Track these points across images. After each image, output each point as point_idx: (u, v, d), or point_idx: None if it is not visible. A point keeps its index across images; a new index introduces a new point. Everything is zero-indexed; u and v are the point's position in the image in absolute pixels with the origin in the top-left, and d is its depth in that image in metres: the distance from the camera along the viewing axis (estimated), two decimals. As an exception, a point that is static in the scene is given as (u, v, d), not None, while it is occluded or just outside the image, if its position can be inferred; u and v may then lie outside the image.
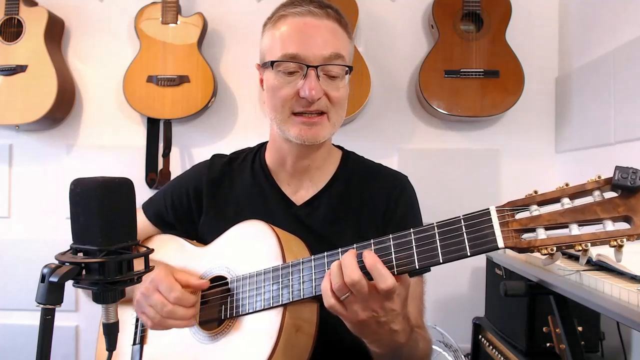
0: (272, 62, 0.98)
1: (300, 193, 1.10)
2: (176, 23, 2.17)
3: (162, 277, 0.94)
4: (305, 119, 0.99)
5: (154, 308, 0.92)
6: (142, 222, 1.16)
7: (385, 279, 0.73)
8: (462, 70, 2.07)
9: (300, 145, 1.02)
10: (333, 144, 1.18)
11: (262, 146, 1.18)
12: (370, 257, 0.74)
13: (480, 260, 1.78)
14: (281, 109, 1.00)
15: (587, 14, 2.04)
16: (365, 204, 1.09)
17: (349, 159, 1.16)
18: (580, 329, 1.29)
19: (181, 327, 0.94)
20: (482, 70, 2.06)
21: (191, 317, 0.93)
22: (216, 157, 1.19)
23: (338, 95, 1.00)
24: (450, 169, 2.24)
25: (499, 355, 1.61)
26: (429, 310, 2.14)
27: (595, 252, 1.16)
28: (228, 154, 1.20)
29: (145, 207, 1.20)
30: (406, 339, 0.83)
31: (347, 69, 1.00)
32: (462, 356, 1.88)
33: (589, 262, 1.19)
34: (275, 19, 1.01)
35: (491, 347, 1.69)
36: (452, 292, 2.22)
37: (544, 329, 1.37)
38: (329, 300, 0.78)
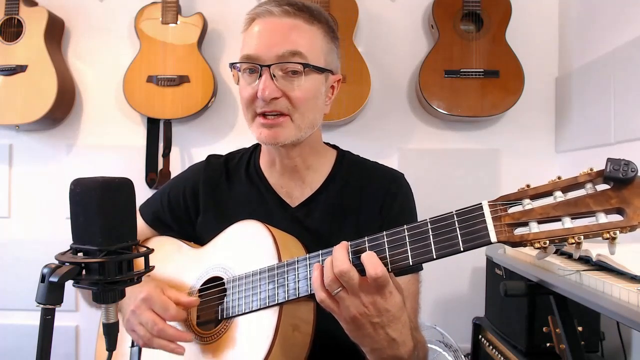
0: (232, 65, 1.00)
1: (295, 194, 1.10)
2: (176, 23, 2.17)
3: (155, 296, 0.92)
4: (265, 121, 0.97)
5: (145, 326, 0.91)
6: (139, 225, 1.15)
7: (375, 265, 0.73)
8: (462, 70, 2.07)
9: (280, 146, 1.01)
10: (328, 144, 1.17)
11: (257, 147, 1.18)
12: (367, 252, 0.75)
13: (480, 260, 1.78)
14: (246, 111, 1.00)
15: (587, 14, 2.04)
16: (362, 202, 1.08)
17: (344, 158, 1.15)
18: (580, 329, 1.29)
19: (169, 350, 0.91)
20: (482, 70, 2.06)
21: (180, 338, 0.92)
22: (212, 158, 1.19)
23: (298, 95, 0.96)
24: (450, 169, 2.24)
25: (499, 355, 1.61)
26: (429, 310, 2.17)
27: (595, 252, 1.16)
28: (224, 154, 1.20)
29: (142, 209, 1.19)
30: (408, 355, 0.82)
31: (304, 65, 0.96)
32: (462, 356, 1.88)
33: (589, 262, 1.19)
34: (247, 23, 1.03)
35: (491, 347, 1.69)
36: (452, 292, 2.22)
37: (544, 329, 1.37)
38: (319, 294, 0.78)
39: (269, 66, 0.95)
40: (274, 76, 0.95)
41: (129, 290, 0.90)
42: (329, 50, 1.03)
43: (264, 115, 0.97)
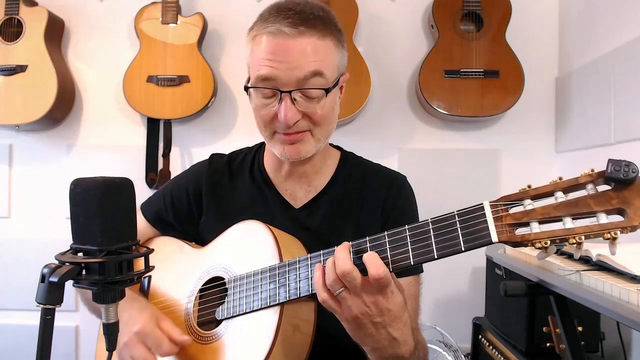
0: (247, 87, 0.97)
1: (299, 196, 1.10)
2: (176, 23, 2.17)
3: (149, 331, 0.91)
4: (287, 137, 0.97)
5: None
6: (141, 223, 1.15)
7: (377, 266, 0.73)
8: (462, 70, 2.07)
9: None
10: (332, 145, 1.17)
11: (260, 146, 1.18)
12: (369, 252, 0.75)
13: (480, 260, 1.78)
14: (264, 129, 1.00)
15: (587, 14, 2.04)
16: (363, 203, 1.09)
17: (347, 159, 1.15)
18: (580, 329, 1.29)
19: None
20: (482, 70, 2.06)
21: None
22: (215, 157, 1.18)
23: (319, 114, 0.96)
24: (450, 169, 2.24)
25: (499, 355, 1.61)
26: (429, 310, 2.17)
27: (595, 252, 1.16)
28: (227, 153, 1.20)
29: (144, 208, 1.19)
30: (410, 354, 0.82)
31: (329, 89, 0.94)
32: (462, 356, 1.88)
33: (589, 262, 1.19)
34: (252, 34, 0.97)
35: (491, 347, 1.69)
36: (452, 292, 2.22)
37: (544, 329, 1.37)
38: (321, 294, 0.78)
39: (290, 92, 0.92)
40: (295, 100, 0.93)
41: (124, 318, 0.88)
42: (341, 57, 1.00)
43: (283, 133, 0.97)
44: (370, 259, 0.74)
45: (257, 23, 0.97)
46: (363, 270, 0.74)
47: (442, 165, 2.24)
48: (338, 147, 1.19)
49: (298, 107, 0.94)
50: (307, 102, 0.94)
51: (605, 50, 1.86)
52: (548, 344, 1.40)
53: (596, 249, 1.16)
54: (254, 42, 0.96)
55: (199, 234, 1.13)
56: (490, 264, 1.73)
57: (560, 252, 1.33)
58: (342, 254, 0.76)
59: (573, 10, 2.14)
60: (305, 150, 0.99)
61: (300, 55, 0.91)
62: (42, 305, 0.62)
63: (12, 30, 2.15)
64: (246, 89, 0.97)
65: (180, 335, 0.92)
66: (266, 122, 0.97)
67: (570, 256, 1.29)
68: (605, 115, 1.83)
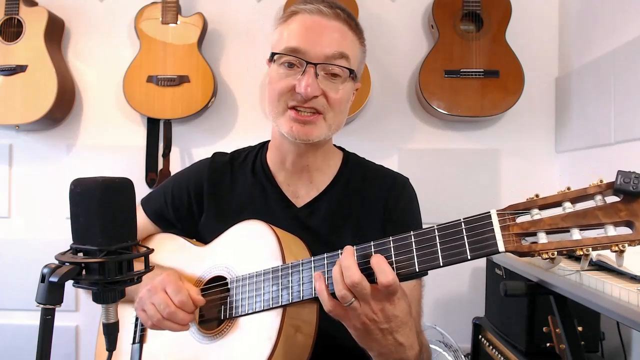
0: (274, 54, 0.99)
1: (301, 195, 1.10)
2: (176, 23, 2.17)
3: (171, 280, 0.94)
4: (299, 117, 0.98)
5: (157, 307, 0.92)
6: (142, 219, 1.15)
7: (386, 273, 0.72)
8: (462, 70, 2.07)
9: (299, 143, 1.01)
10: (334, 145, 1.17)
11: (263, 145, 1.18)
12: (376, 256, 0.75)
13: (481, 261, 1.77)
14: (277, 102, 0.99)
15: (587, 14, 2.04)
16: (365, 205, 1.09)
17: (349, 160, 1.15)
18: (580, 329, 1.29)
19: (176, 330, 0.93)
20: (482, 70, 2.06)
21: (188, 322, 0.93)
22: (217, 155, 1.18)
23: (337, 97, 0.98)
24: (450, 169, 2.24)
25: (499, 355, 1.61)
26: (429, 310, 2.17)
27: (595, 252, 1.16)
28: (229, 152, 1.20)
29: (144, 203, 1.18)
30: (415, 358, 0.82)
31: (350, 71, 0.99)
32: (462, 356, 1.88)
33: (589, 262, 1.19)
34: (286, 16, 1.02)
35: (491, 347, 1.69)
36: (452, 292, 2.22)
37: (544, 329, 1.37)
38: (327, 304, 0.77)
39: (315, 64, 0.95)
40: (317, 75, 0.96)
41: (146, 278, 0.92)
42: (361, 59, 1.06)
43: (296, 110, 0.98)
44: (379, 265, 0.73)
45: (292, 6, 1.02)
46: (368, 274, 0.73)
47: (442, 165, 2.24)
48: (340, 148, 1.19)
49: (319, 83, 0.96)
50: (327, 81, 0.98)
51: (605, 50, 1.86)
52: (548, 344, 1.40)
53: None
54: (287, 20, 1.01)
55: (199, 232, 1.13)
56: (490, 264, 1.73)
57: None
58: (349, 262, 0.74)
59: (573, 10, 2.15)
60: (315, 133, 0.99)
61: (332, 36, 0.97)
62: (42, 305, 0.62)
63: (12, 30, 2.15)
64: (273, 55, 0.99)
65: (196, 294, 0.95)
66: (281, 93, 0.98)
67: (570, 256, 1.30)
68: (605, 115, 1.83)
